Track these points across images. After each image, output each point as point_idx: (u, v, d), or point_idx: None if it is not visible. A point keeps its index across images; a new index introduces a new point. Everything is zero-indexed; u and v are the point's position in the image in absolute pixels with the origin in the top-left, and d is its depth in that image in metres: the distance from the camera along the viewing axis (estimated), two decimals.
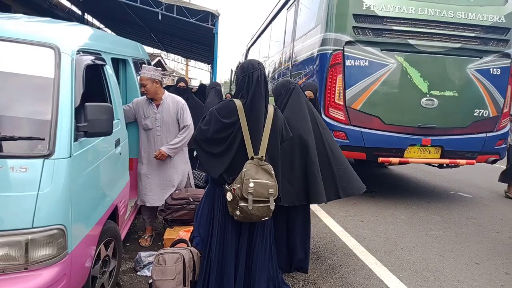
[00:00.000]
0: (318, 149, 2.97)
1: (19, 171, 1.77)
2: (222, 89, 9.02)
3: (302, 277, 3.15)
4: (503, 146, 5.75)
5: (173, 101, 3.56)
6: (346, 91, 5.25)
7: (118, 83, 3.43)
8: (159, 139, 3.53)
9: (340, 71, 5.23)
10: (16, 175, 1.76)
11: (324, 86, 5.33)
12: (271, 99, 2.97)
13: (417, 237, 4.23)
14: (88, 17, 15.03)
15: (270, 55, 9.83)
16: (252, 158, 2.32)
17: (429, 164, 6.04)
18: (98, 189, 2.37)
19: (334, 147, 3.13)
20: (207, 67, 23.91)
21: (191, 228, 3.07)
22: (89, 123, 2.05)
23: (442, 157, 5.53)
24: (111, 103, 2.72)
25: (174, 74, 32.19)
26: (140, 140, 3.60)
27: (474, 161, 5.60)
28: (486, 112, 5.53)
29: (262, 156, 2.35)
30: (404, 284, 3.12)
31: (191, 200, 3.55)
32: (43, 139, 1.87)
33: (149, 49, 20.50)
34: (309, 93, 4.19)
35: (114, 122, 2.35)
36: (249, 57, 13.90)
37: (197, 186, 4.58)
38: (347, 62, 5.23)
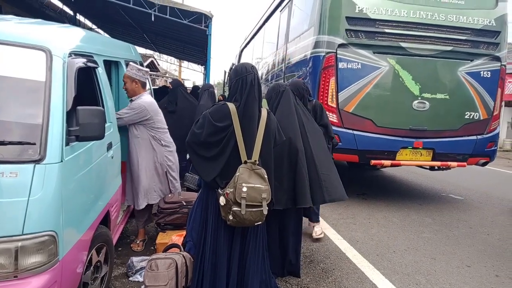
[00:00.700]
0: (305, 153, 2.97)
1: (9, 177, 1.73)
2: (216, 91, 9.00)
3: (295, 281, 3.14)
4: (493, 148, 5.81)
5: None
6: (339, 94, 5.27)
7: (110, 85, 3.40)
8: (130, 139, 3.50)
9: (333, 73, 5.25)
10: (6, 180, 1.73)
11: (317, 89, 5.35)
12: (265, 103, 2.96)
13: (409, 240, 4.26)
14: (80, 17, 14.87)
15: (263, 57, 9.83)
16: (246, 162, 2.32)
17: (420, 166, 6.09)
18: (90, 193, 2.35)
19: (319, 151, 3.10)
20: (200, 68, 23.85)
21: (184, 233, 3.06)
22: (81, 127, 2.02)
23: (433, 159, 5.58)
24: (103, 106, 2.70)
25: (167, 75, 32.05)
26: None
27: (465, 163, 5.67)
28: (476, 115, 5.59)
29: (256, 160, 2.35)
30: None
31: (184, 204, 3.54)
32: (34, 144, 1.84)
33: (142, 50, 20.36)
34: None
35: (106, 125, 2.32)
36: (242, 59, 13.91)
37: (190, 190, 4.56)
38: (340, 65, 5.25)
